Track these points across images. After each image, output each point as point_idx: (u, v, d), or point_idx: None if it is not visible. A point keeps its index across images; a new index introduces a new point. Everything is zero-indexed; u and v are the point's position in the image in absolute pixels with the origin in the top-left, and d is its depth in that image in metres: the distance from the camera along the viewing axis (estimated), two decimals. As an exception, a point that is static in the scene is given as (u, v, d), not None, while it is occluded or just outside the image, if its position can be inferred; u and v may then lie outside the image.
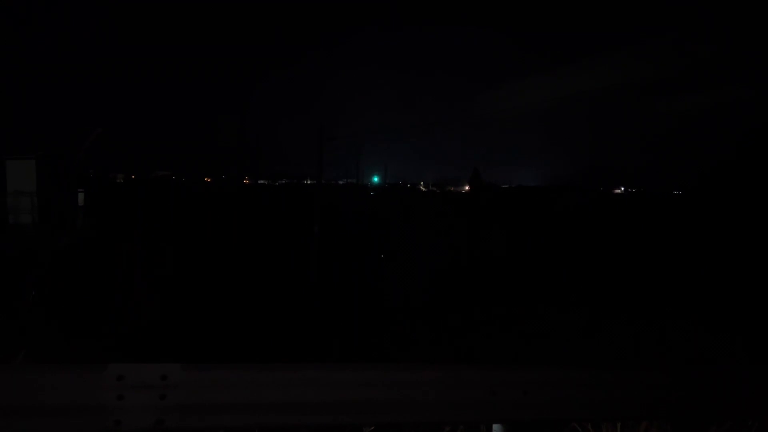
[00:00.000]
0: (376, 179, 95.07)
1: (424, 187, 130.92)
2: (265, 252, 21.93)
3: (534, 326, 12.82)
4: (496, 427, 3.33)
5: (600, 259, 23.11)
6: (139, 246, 17.84)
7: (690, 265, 21.95)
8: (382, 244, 25.69)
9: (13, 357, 4.18)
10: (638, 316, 13.52)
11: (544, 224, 37.37)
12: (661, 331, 12.11)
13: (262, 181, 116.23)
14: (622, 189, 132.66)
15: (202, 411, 2.92)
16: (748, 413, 3.69)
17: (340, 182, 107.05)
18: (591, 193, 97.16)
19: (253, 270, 18.06)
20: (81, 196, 21.33)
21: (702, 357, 10.17)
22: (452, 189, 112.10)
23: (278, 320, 12.52)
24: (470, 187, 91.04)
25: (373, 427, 3.54)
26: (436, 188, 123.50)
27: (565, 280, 18.56)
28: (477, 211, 46.34)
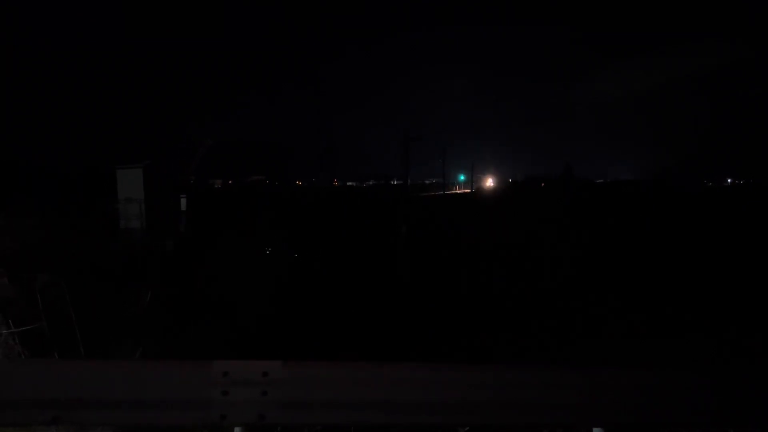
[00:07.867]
0: (462, 178, 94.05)
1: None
2: (356, 252, 22.32)
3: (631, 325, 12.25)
4: (596, 430, 3.21)
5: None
6: (239, 248, 18.68)
7: None
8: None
9: (131, 355, 4.51)
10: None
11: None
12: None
13: (350, 183, 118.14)
14: (729, 181, 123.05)
15: (301, 407, 3.02)
16: None
17: (426, 182, 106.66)
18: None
19: (346, 270, 18.45)
20: (183, 202, 22.73)
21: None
22: (542, 185, 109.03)
23: (374, 318, 12.69)
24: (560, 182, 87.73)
25: (468, 428, 3.51)
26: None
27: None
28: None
